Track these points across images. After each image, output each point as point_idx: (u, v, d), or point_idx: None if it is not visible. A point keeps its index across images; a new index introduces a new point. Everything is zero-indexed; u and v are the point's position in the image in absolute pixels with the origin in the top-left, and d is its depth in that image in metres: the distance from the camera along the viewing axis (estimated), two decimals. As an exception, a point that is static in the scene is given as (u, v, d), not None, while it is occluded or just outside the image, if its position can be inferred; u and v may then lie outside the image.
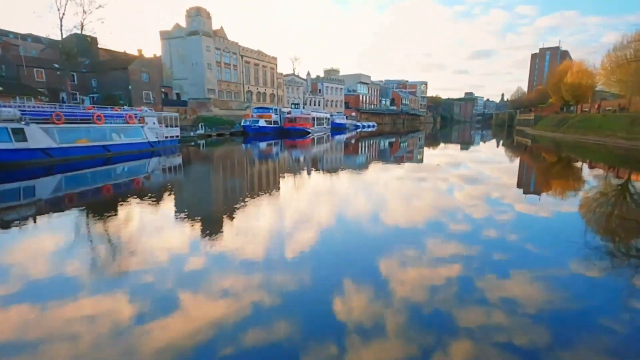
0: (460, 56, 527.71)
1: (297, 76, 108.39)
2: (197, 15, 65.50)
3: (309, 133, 61.88)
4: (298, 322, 6.82)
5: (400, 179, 23.61)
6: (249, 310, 7.06)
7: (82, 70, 56.50)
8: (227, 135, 57.81)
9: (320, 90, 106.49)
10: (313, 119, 65.15)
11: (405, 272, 9.92)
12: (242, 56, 77.30)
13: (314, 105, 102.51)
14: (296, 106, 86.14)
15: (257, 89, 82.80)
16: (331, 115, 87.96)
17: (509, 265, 9.90)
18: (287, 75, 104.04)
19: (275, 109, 63.03)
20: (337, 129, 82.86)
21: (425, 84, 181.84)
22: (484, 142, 62.25)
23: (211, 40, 67.94)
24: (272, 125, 59.73)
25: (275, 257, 9.69)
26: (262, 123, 57.42)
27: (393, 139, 63.84)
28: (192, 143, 46.81)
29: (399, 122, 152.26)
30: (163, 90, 66.98)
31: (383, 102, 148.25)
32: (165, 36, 70.74)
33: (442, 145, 51.75)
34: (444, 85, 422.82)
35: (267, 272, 8.73)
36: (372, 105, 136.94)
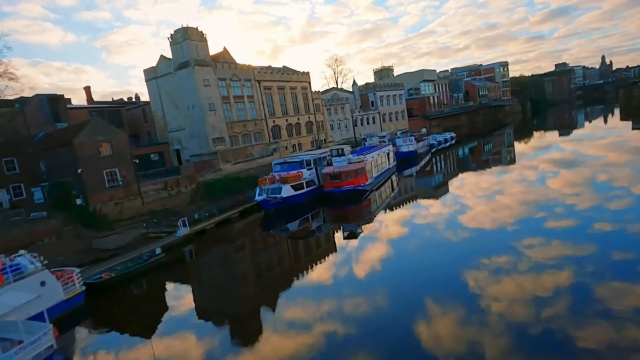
0: (531, 22, 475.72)
1: (340, 89, 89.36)
2: (185, 39, 49.04)
3: (365, 192, 42.38)
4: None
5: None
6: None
7: (29, 150, 41.94)
8: (237, 216, 40.23)
9: (373, 102, 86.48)
10: (370, 162, 45.62)
11: (498, 283, 11.26)
12: (259, 82, 59.87)
13: (368, 123, 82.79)
14: (366, 140, 67.70)
15: (287, 120, 65.05)
16: (392, 138, 69.15)
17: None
18: (326, 91, 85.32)
19: (309, 160, 44.25)
20: (406, 159, 63.06)
21: (505, 65, 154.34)
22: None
23: (210, 70, 51.18)
24: (305, 190, 41.25)
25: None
26: (287, 191, 39.19)
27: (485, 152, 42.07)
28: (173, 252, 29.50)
29: (478, 120, 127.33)
30: (157, 151, 51.70)
31: (455, 98, 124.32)
32: (150, 75, 55.41)
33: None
34: (520, 59, 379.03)
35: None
36: (443, 106, 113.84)
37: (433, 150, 78.49)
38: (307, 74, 71.99)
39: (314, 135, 71.72)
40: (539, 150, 64.97)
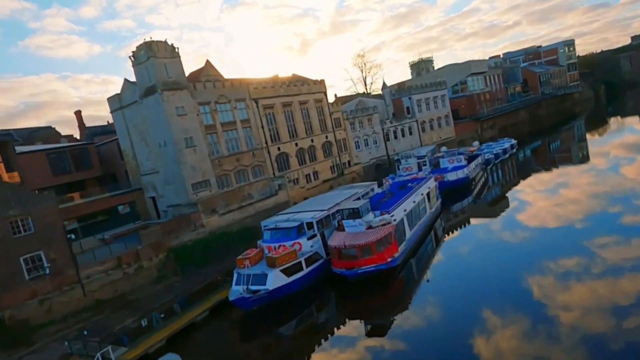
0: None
1: (367, 95, 76.80)
2: (149, 56, 38.82)
3: (396, 268, 30.15)
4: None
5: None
6: None
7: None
8: (206, 315, 29.40)
9: (408, 109, 73.24)
10: (401, 219, 33.21)
11: (567, 289, 13.97)
12: (256, 101, 48.74)
13: (403, 135, 70.06)
14: (401, 162, 58.77)
15: (296, 144, 53.88)
16: (435, 158, 59.63)
17: None
18: (349, 98, 72.92)
19: (312, 222, 32.77)
20: (454, 188, 50.34)
21: (570, 44, 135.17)
22: None
23: (186, 95, 40.82)
24: (304, 273, 29.76)
25: None
26: (275, 280, 28.06)
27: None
28: None
29: (540, 114, 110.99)
30: (126, 201, 42.37)
31: (511, 90, 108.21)
32: (115, 104, 45.85)
33: None
34: (580, 32, 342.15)
35: None
36: (497, 102, 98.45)
37: (490, 164, 64.98)
38: (321, 82, 60.17)
39: (334, 159, 59.90)
40: (610, 134, 60.89)
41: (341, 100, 73.17)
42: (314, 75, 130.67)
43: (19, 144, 69.05)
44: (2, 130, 47.74)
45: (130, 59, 41.38)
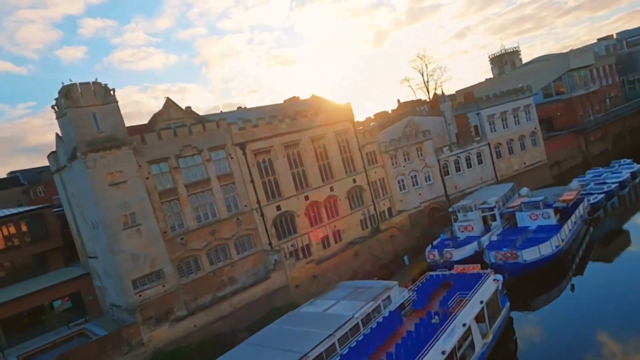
0: None
1: (421, 111, 63.35)
2: (67, 106, 29.71)
3: None
4: None
5: None
6: None
7: None
8: None
9: (477, 128, 58.46)
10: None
11: None
12: (242, 146, 38.62)
13: (469, 166, 56.36)
14: (458, 216, 49.26)
15: (306, 197, 43.78)
16: (508, 211, 45.44)
17: None
18: (414, 104, 60.38)
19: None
20: (534, 271, 35.51)
21: None
22: None
23: (126, 154, 31.85)
24: None
25: None
26: None
27: None
28: None
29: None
30: (65, 293, 35.26)
31: (629, 84, 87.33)
32: (52, 165, 38.17)
33: None
34: None
35: None
36: (609, 101, 79.16)
37: (597, 200, 48.68)
38: (346, 108, 48.04)
39: (366, 209, 47.55)
40: None
41: (379, 127, 60.27)
42: (389, 71, 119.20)
43: (24, 188, 65.32)
44: None
45: (54, 109, 32.57)
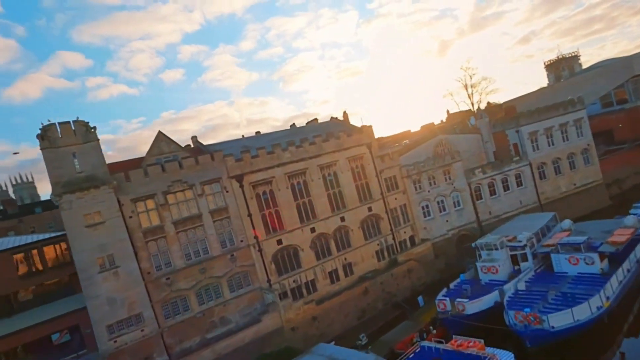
0: None
1: (454, 128, 57.10)
2: (43, 147, 28.14)
3: None
4: None
5: None
6: None
7: None
8: None
9: (517, 146, 50.95)
10: None
11: None
12: (238, 179, 35.22)
13: (506, 189, 49.56)
14: (479, 258, 43.11)
15: (313, 229, 39.58)
16: (542, 252, 36.99)
17: None
18: (462, 115, 54.61)
19: None
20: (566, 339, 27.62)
21: None
22: None
23: (104, 194, 29.94)
24: None
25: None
26: None
27: None
28: None
29: None
30: (63, 326, 33.96)
31: None
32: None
33: None
34: None
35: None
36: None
37: None
38: (367, 131, 43.46)
39: (383, 238, 42.37)
40: None
41: (410, 143, 54.36)
42: (451, 79, 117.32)
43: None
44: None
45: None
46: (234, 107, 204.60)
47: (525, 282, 33.49)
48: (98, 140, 30.57)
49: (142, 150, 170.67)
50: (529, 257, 35.67)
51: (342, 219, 40.87)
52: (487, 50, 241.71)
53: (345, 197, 41.44)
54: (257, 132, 48.05)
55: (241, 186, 35.99)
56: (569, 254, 33.53)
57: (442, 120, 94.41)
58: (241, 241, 35.59)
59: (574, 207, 51.29)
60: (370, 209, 42.65)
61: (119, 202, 30.80)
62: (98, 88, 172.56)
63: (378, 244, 42.73)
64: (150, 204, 32.27)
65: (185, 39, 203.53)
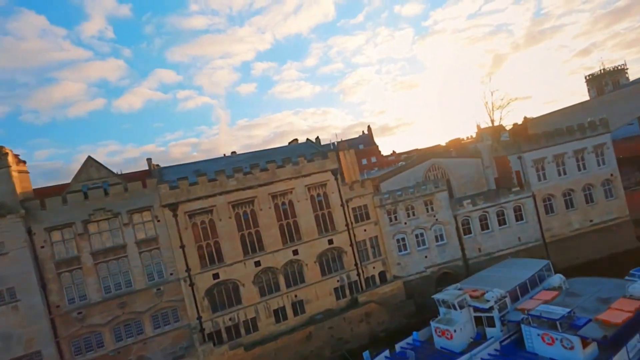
0: None
1: (450, 151, 50.05)
2: None
3: None
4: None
5: None
6: None
7: None
8: None
9: (519, 174, 42.69)
10: None
11: None
12: (171, 207, 31.34)
13: (502, 223, 42.83)
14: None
15: (258, 262, 35.85)
16: (515, 301, 29.49)
17: None
18: (496, 129, 48.10)
19: None
20: None
21: None
22: None
23: (10, 224, 27.81)
24: None
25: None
26: None
27: None
28: None
29: None
30: None
31: None
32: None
33: None
34: None
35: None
36: None
37: None
38: (332, 156, 37.61)
39: (345, 274, 36.65)
40: None
41: (394, 172, 47.42)
42: (509, 91, 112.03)
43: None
44: None
45: (-36, 171, 28.72)
46: (299, 115, 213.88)
47: (483, 359, 25.90)
48: (9, 167, 27.67)
49: (220, 151, 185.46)
50: (497, 323, 27.86)
51: (295, 252, 35.42)
52: (542, 63, 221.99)
53: (301, 228, 35.95)
54: (233, 153, 43.90)
55: (175, 215, 31.83)
56: (542, 329, 25.39)
57: (471, 136, 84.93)
58: (171, 274, 31.43)
59: (588, 247, 41.82)
60: (331, 241, 36.81)
61: (30, 231, 27.86)
62: (186, 99, 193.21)
63: (338, 280, 36.76)
64: (67, 233, 28.96)
65: (257, 56, 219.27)
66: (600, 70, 71.17)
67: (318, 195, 37.14)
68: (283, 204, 35.82)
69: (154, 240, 31.46)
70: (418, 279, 39.26)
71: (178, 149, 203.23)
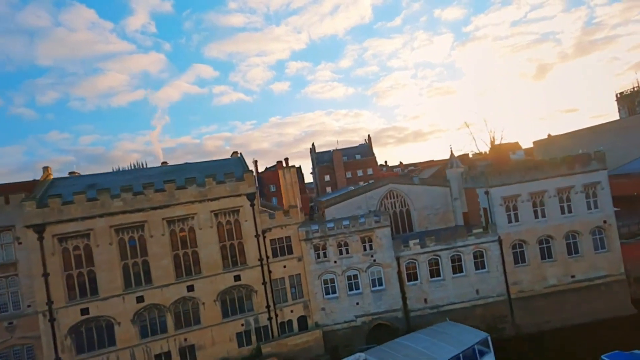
0: None
1: (413, 178, 41.23)
2: None
3: None
4: None
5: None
6: None
7: None
8: None
9: (487, 212, 33.26)
10: None
11: None
12: (37, 229, 25.59)
13: (457, 271, 33.43)
14: None
15: (141, 298, 29.23)
16: None
17: None
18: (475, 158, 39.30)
19: None
20: None
21: None
22: None
23: None
24: None
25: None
26: None
27: None
28: None
29: None
30: None
31: None
32: None
33: None
34: None
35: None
36: None
37: None
38: (249, 178, 30.11)
39: (253, 317, 29.73)
40: None
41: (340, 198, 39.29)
42: (552, 102, 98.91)
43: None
44: None
45: None
46: (331, 116, 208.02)
47: None
48: None
49: (253, 148, 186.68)
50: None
51: (191, 288, 28.51)
52: (592, 75, 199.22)
53: (202, 260, 29.04)
54: (164, 163, 37.51)
55: (40, 238, 25.75)
56: None
57: (485, 152, 74.03)
58: (28, 306, 25.56)
59: (565, 310, 32.23)
60: (238, 277, 29.60)
61: None
62: (221, 95, 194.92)
63: (243, 324, 29.51)
64: None
65: (292, 56, 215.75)
66: (634, 88, 58.21)
67: (227, 222, 29.99)
68: (182, 230, 28.92)
69: (12, 266, 25.70)
70: (346, 329, 31.29)
71: (212, 142, 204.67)
